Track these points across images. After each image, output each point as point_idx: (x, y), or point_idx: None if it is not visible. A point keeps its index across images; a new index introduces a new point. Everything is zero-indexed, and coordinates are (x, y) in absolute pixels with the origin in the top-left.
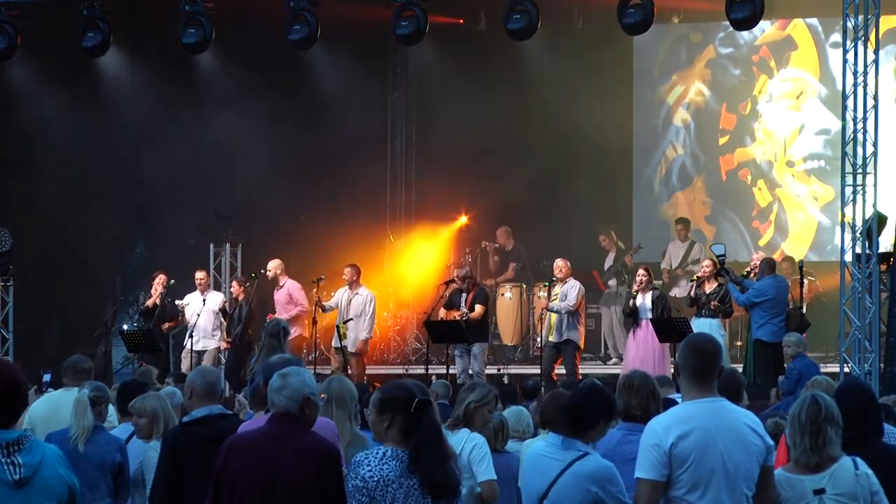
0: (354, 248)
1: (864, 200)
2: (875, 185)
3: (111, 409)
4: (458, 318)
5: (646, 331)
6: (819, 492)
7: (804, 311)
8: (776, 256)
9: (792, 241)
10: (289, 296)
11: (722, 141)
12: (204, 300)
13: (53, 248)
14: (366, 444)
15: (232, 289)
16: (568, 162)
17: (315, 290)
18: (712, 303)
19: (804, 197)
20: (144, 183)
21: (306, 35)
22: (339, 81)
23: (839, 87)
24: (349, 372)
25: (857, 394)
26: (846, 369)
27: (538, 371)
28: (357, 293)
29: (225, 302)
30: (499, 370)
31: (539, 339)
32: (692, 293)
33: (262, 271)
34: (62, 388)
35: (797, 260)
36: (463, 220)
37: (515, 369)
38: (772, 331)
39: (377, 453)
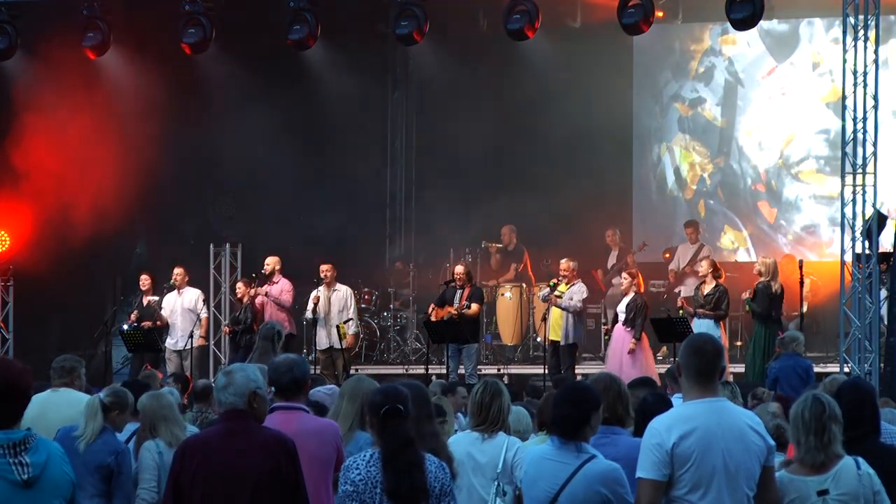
0: (354, 247)
1: (864, 200)
2: (875, 185)
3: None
4: (452, 312)
5: (615, 336)
6: (823, 493)
7: (804, 310)
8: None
9: (791, 241)
10: (280, 293)
11: (721, 140)
12: (181, 298)
13: (53, 248)
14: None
15: (238, 290)
16: (568, 161)
17: (316, 290)
18: (700, 310)
19: (804, 197)
20: (144, 182)
21: (306, 35)
22: (339, 81)
23: (839, 86)
24: (336, 372)
25: (856, 393)
26: (846, 369)
27: (538, 371)
28: (335, 290)
29: (204, 300)
30: (499, 370)
31: (541, 340)
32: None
33: (262, 271)
34: (49, 388)
35: (797, 260)
36: (463, 219)
37: (515, 369)
38: None
39: (365, 456)
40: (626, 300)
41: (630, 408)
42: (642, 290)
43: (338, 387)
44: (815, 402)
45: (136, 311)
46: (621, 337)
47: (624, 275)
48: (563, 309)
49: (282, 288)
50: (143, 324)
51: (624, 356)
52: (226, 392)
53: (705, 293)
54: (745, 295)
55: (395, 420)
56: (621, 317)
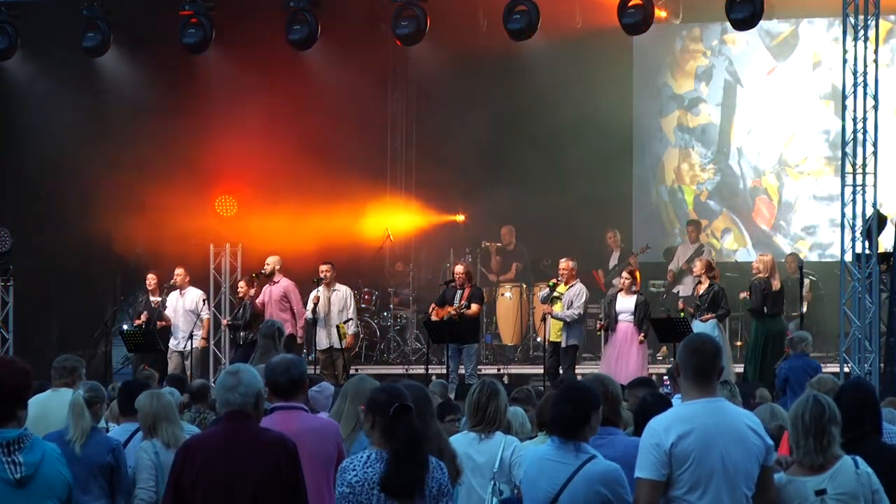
0: (354, 247)
1: (864, 200)
2: (875, 185)
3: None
4: (451, 312)
5: (624, 333)
6: (820, 493)
7: (804, 310)
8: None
9: (791, 241)
10: (283, 294)
11: (721, 140)
12: (182, 299)
13: (53, 248)
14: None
15: (239, 289)
16: (568, 161)
17: (316, 290)
18: (704, 315)
19: (804, 197)
20: (144, 182)
21: (306, 35)
22: (340, 81)
23: (839, 87)
24: (336, 372)
25: (856, 393)
26: (846, 369)
27: (538, 371)
28: (335, 290)
29: (205, 300)
30: (499, 370)
31: (541, 340)
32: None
33: (262, 271)
34: (50, 388)
35: (797, 259)
36: (463, 219)
37: (515, 369)
38: None
39: (362, 457)
40: (631, 300)
41: (620, 409)
42: (638, 289)
43: (336, 387)
44: (815, 403)
45: (145, 312)
46: (629, 335)
47: (625, 274)
48: (560, 319)
49: (284, 290)
50: (157, 323)
51: (632, 354)
52: (235, 392)
53: (700, 293)
54: (743, 296)
55: (407, 416)
56: (623, 316)
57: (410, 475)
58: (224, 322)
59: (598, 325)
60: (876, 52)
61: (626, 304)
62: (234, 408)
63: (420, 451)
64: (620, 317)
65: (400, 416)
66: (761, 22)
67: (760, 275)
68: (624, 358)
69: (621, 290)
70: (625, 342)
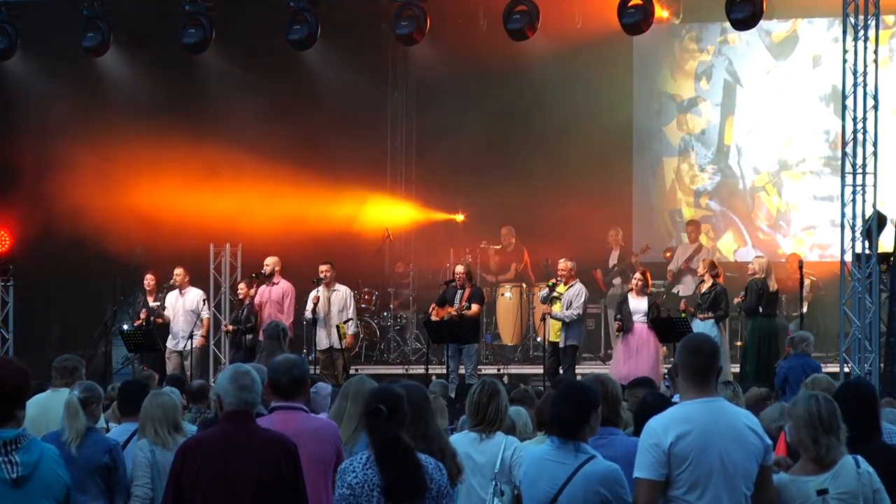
0: (354, 247)
1: (864, 200)
2: (875, 185)
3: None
4: (452, 313)
5: (640, 333)
6: (822, 492)
7: (804, 310)
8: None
9: (792, 241)
10: (282, 295)
11: (721, 140)
12: (182, 299)
13: (53, 248)
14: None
15: (240, 291)
16: (567, 161)
17: (315, 290)
18: (703, 314)
19: (804, 197)
20: (144, 182)
21: (306, 35)
22: (339, 81)
23: (839, 86)
24: (335, 372)
25: (856, 393)
26: (846, 369)
27: (538, 371)
28: (335, 290)
29: (205, 300)
30: (499, 370)
31: (541, 339)
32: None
33: (262, 271)
34: (49, 388)
35: (798, 259)
36: (463, 219)
37: (515, 369)
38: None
39: (361, 458)
40: (644, 301)
41: (620, 409)
42: (650, 290)
43: (335, 387)
44: (826, 401)
45: (144, 310)
46: (644, 335)
47: (637, 275)
48: (559, 320)
49: (282, 292)
50: (155, 320)
51: (649, 354)
52: (251, 392)
53: (702, 293)
54: (737, 299)
55: (376, 420)
56: (637, 317)
57: (398, 476)
58: (224, 327)
59: (615, 326)
60: (876, 52)
61: (639, 304)
62: (246, 407)
63: (396, 453)
64: (634, 317)
65: (370, 419)
66: (761, 22)
67: (757, 276)
68: (642, 358)
69: (632, 290)
70: (641, 342)
